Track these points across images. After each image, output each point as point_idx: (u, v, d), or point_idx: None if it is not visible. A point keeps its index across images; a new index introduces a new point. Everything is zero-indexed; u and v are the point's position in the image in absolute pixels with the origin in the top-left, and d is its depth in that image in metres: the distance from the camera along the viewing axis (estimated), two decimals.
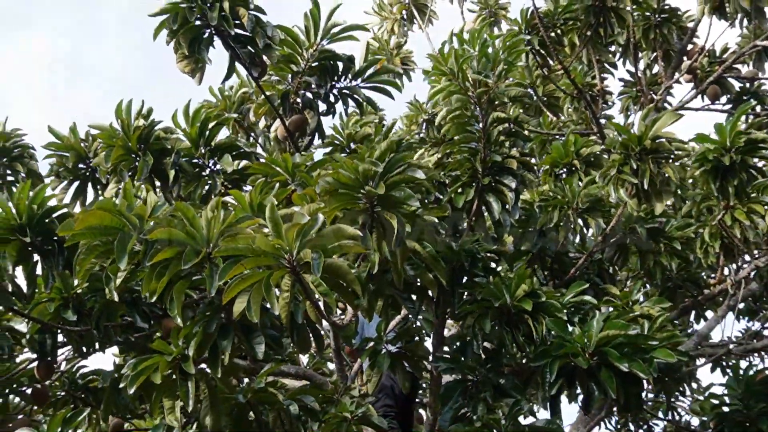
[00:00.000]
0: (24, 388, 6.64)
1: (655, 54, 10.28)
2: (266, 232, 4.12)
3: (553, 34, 9.35)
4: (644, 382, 5.33)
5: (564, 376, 5.33)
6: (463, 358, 5.70)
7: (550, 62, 9.60)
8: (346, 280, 4.25)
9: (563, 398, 7.03)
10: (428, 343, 6.33)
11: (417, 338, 6.15)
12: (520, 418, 5.50)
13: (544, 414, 6.46)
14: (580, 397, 5.49)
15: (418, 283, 5.53)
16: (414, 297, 5.68)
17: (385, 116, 10.19)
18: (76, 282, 5.65)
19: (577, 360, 5.19)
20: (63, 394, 7.00)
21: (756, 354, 9.99)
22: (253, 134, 8.34)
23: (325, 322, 5.32)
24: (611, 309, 6.33)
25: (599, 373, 5.20)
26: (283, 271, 4.06)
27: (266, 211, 4.09)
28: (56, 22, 36.11)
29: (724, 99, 10.08)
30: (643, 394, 6.07)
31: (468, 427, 5.34)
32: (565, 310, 5.67)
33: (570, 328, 5.41)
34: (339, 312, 8.04)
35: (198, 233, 4.28)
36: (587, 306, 6.00)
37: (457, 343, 5.84)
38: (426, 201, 5.57)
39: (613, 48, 9.94)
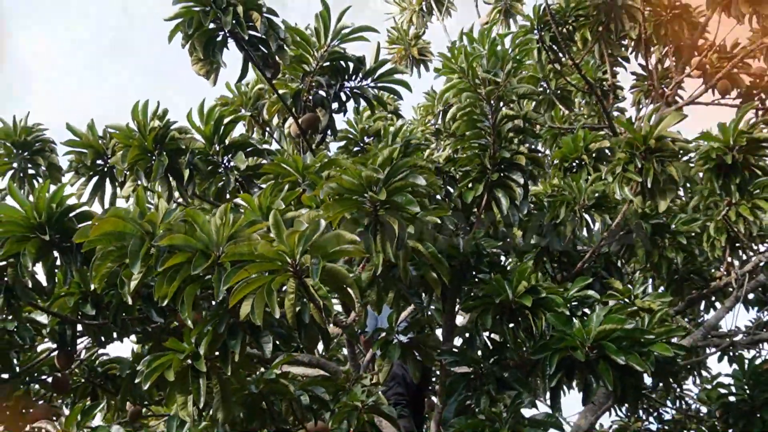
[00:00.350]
0: (45, 377, 6.75)
1: (666, 49, 10.31)
2: (272, 237, 4.25)
3: (564, 30, 9.40)
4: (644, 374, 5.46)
5: (564, 368, 5.42)
6: (470, 351, 5.83)
7: (562, 57, 9.66)
8: (346, 284, 4.35)
9: (572, 389, 7.16)
10: (440, 332, 6.45)
11: (429, 328, 6.25)
12: (524, 410, 5.62)
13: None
14: None
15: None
16: (422, 291, 5.80)
17: (401, 106, 10.28)
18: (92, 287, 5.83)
19: (576, 353, 5.28)
20: (83, 381, 7.15)
21: (764, 344, 10.11)
22: (268, 129, 8.49)
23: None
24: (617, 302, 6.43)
25: (597, 365, 5.30)
26: (286, 276, 4.16)
27: (270, 217, 4.22)
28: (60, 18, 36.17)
29: (734, 93, 10.11)
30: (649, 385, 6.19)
31: (470, 419, 5.41)
32: (567, 305, 5.75)
33: (573, 322, 5.51)
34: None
35: (207, 238, 4.38)
36: (590, 300, 6.08)
37: (466, 335, 5.95)
38: (434, 198, 5.70)
39: (625, 42, 9.98)
